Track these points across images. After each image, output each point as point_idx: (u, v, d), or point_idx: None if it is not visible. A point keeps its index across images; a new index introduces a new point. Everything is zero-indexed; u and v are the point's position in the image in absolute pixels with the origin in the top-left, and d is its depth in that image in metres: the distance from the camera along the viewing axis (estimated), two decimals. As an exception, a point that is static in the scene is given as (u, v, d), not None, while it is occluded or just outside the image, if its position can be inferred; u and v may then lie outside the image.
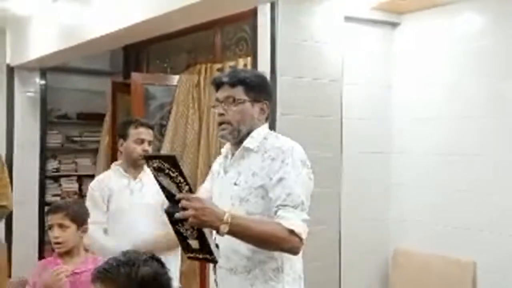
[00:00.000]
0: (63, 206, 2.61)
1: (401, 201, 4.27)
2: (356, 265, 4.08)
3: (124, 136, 3.10)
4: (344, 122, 3.90)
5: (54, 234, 2.52)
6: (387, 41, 4.30)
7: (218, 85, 2.13)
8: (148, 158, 1.91)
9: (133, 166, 3.12)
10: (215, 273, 2.15)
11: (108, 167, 3.38)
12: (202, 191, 2.29)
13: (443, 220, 4.00)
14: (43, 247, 5.83)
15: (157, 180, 1.91)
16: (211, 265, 2.16)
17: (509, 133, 3.65)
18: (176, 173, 1.83)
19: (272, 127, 3.44)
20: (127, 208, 3.05)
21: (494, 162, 3.70)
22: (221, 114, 2.09)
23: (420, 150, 4.16)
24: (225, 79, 2.11)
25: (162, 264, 1.58)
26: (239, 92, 2.08)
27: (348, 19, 3.94)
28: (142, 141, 3.06)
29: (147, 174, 3.02)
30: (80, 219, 2.59)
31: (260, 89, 2.13)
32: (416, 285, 4.10)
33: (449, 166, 3.97)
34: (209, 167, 4.43)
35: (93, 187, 3.15)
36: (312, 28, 3.72)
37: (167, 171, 1.83)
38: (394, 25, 4.29)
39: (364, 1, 3.98)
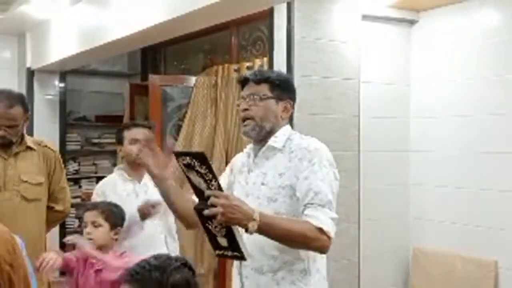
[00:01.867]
0: (99, 205, 2.70)
1: (420, 200, 4.24)
2: (375, 264, 4.06)
3: (121, 141, 3.13)
4: (361, 121, 3.89)
5: (87, 230, 2.61)
6: (405, 39, 4.28)
7: (243, 82, 2.15)
8: (178, 155, 1.90)
9: (135, 169, 3.10)
10: (239, 273, 2.14)
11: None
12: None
13: (464, 219, 3.96)
14: (64, 250, 5.87)
15: (187, 177, 1.91)
16: (235, 264, 2.16)
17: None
18: (206, 170, 1.83)
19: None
20: (133, 212, 3.04)
21: (515, 160, 3.67)
22: (245, 110, 2.10)
23: (439, 148, 4.12)
24: (250, 76, 2.13)
25: (193, 272, 1.57)
26: (263, 89, 2.09)
27: (365, 17, 3.93)
28: (136, 141, 3.06)
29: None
30: (113, 220, 2.67)
31: (285, 88, 2.13)
32: (436, 284, 4.06)
33: (469, 164, 3.93)
34: (225, 167, 4.50)
35: (98, 192, 3.16)
36: (329, 27, 3.71)
37: (196, 167, 1.84)
38: (411, 22, 4.27)
39: (381, -1, 3.97)
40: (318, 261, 2.08)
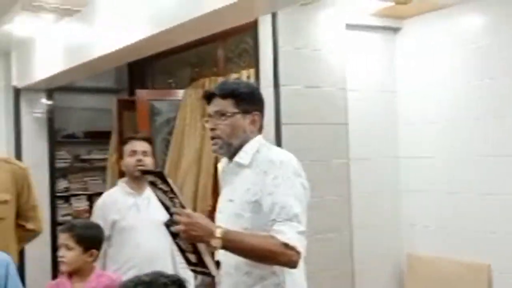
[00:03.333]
0: (70, 228, 2.61)
1: (411, 206, 4.25)
2: (369, 272, 4.05)
3: (122, 155, 3.16)
4: (350, 129, 3.90)
5: (60, 253, 2.56)
6: (389, 46, 4.31)
7: (209, 98, 2.11)
8: (144, 173, 1.97)
9: (136, 181, 3.13)
10: None
11: (116, 184, 3.40)
12: None
13: (456, 224, 3.97)
14: (57, 267, 5.82)
15: (155, 194, 1.94)
16: (216, 281, 2.16)
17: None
18: (168, 188, 1.85)
19: (277, 136, 3.45)
20: (136, 226, 3.05)
21: (505, 164, 3.69)
22: (212, 129, 2.07)
23: (427, 155, 4.15)
24: (216, 91, 2.09)
25: None
26: (229, 105, 2.05)
27: (349, 26, 3.96)
28: (134, 152, 3.10)
29: None
30: (86, 242, 2.58)
31: (251, 100, 2.10)
32: (430, 290, 4.07)
33: (458, 169, 3.95)
34: (213, 180, 4.51)
35: (98, 206, 3.19)
36: (314, 36, 3.73)
37: (159, 185, 1.87)
38: (395, 30, 4.30)
39: (364, 8, 4.00)
40: (295, 275, 2.05)
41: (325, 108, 3.76)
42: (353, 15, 3.98)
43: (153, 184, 1.90)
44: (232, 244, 1.87)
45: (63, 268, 2.55)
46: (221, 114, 2.05)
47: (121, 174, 5.07)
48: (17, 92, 5.85)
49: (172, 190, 1.84)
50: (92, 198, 6.51)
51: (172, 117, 5.04)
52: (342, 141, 3.84)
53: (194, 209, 3.83)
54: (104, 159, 6.38)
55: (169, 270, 3.13)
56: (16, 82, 5.83)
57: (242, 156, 2.06)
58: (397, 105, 4.31)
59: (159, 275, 1.55)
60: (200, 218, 1.87)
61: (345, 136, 3.86)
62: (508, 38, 3.66)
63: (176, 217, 1.84)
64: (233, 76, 4.43)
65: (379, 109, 4.24)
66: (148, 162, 3.11)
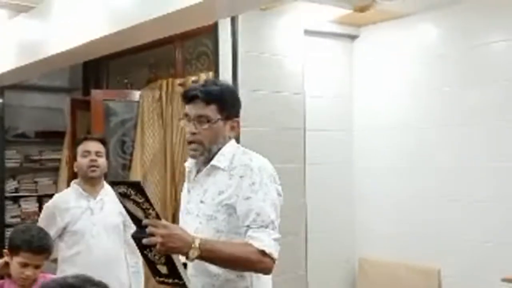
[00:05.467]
0: (47, 247, 2.42)
1: (365, 211, 4.32)
2: (322, 275, 4.09)
3: (76, 156, 3.11)
4: (307, 134, 3.93)
5: (28, 272, 2.34)
6: (347, 53, 4.37)
7: (190, 98, 2.03)
8: (113, 184, 1.88)
9: (90, 183, 3.07)
10: None
11: (69, 186, 3.32)
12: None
13: (407, 229, 4.05)
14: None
15: (123, 205, 1.88)
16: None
17: (471, 140, 3.73)
18: (142, 199, 1.79)
19: (235, 140, 3.44)
20: (88, 229, 2.99)
21: (455, 169, 3.79)
22: (193, 134, 2.01)
23: (382, 160, 4.22)
24: (199, 94, 2.00)
25: None
26: (212, 111, 1.99)
27: (308, 32, 4.00)
28: (88, 153, 3.05)
29: (107, 191, 2.98)
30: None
31: (232, 107, 2.06)
32: (382, 294, 4.14)
33: (411, 175, 4.04)
34: (175, 181, 4.47)
35: (49, 206, 3.10)
36: (273, 41, 3.75)
37: (132, 196, 1.81)
38: (353, 37, 4.37)
39: (323, 15, 4.05)
40: (262, 278, 2.05)
41: (283, 113, 3.79)
42: (311, 22, 4.02)
43: (123, 195, 1.83)
44: (209, 254, 1.84)
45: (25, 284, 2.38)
46: (204, 120, 2.00)
47: (73, 176, 4.98)
48: (-33, 89, 5.66)
49: (147, 201, 1.79)
50: (42, 200, 6.34)
51: (128, 118, 4.96)
52: (299, 146, 3.87)
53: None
54: (56, 160, 6.23)
55: (123, 273, 3.09)
56: (-35, 79, 5.64)
57: (220, 160, 2.02)
58: (354, 111, 4.37)
59: (87, 279, 1.48)
60: (178, 229, 1.84)
61: (301, 141, 3.89)
62: (464, 48, 3.77)
63: (151, 229, 1.78)
64: (191, 79, 4.40)
65: (336, 115, 4.29)
66: (101, 163, 3.06)
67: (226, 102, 2.03)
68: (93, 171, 3.02)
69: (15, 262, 2.35)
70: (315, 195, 4.01)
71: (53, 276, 2.55)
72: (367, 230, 4.30)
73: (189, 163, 2.16)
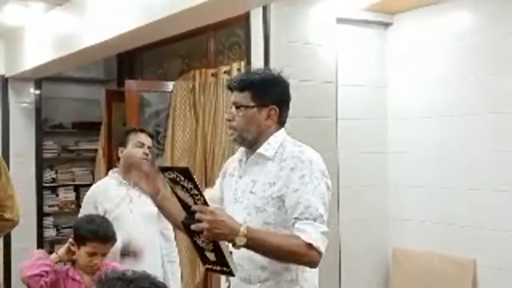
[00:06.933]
0: (113, 235, 2.52)
1: (399, 200, 4.28)
2: (355, 265, 4.08)
3: (124, 143, 3.14)
4: (339, 123, 3.91)
5: (96, 261, 2.45)
6: (380, 41, 4.32)
7: (230, 89, 2.11)
8: (164, 170, 1.90)
9: (129, 172, 3.08)
10: (227, 280, 2.11)
11: (106, 175, 3.37)
12: (211, 194, 2.23)
13: (442, 219, 4.00)
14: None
15: (173, 191, 1.90)
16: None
17: (505, 128, 3.66)
18: (191, 185, 1.81)
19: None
20: (127, 216, 3.05)
21: (490, 159, 3.72)
22: (228, 120, 2.08)
23: (416, 149, 4.17)
24: (234, 84, 2.08)
25: None
26: (245, 98, 2.04)
27: (340, 20, 3.96)
28: (142, 145, 3.10)
29: None
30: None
31: (269, 93, 2.06)
32: (416, 284, 4.10)
33: (445, 164, 3.98)
34: (206, 172, 4.51)
35: (89, 195, 3.16)
36: (305, 30, 3.73)
37: (182, 182, 1.82)
38: (386, 25, 4.31)
39: (355, 2, 4.00)
40: (307, 271, 2.05)
41: (315, 102, 3.77)
42: (344, 10, 3.98)
43: (173, 181, 1.85)
44: (256, 243, 1.84)
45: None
46: (238, 106, 2.05)
47: (110, 165, 5.06)
48: (5, 82, 5.80)
49: (196, 187, 1.80)
50: (79, 189, 6.48)
51: (161, 109, 5.02)
52: (332, 135, 3.85)
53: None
54: (92, 150, 6.35)
55: (157, 261, 3.14)
56: (4, 71, 5.78)
57: (266, 148, 2.04)
58: (388, 99, 4.33)
59: (145, 277, 1.49)
60: (225, 216, 1.84)
61: (334, 130, 3.87)
62: (498, 35, 3.69)
63: (198, 215, 1.80)
64: (224, 69, 4.42)
65: (369, 104, 4.26)
66: (150, 156, 3.13)
67: (259, 89, 2.04)
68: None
69: (82, 252, 2.45)
70: (348, 183, 4.00)
71: (115, 265, 2.62)
72: (401, 219, 4.27)
73: (239, 152, 2.18)
